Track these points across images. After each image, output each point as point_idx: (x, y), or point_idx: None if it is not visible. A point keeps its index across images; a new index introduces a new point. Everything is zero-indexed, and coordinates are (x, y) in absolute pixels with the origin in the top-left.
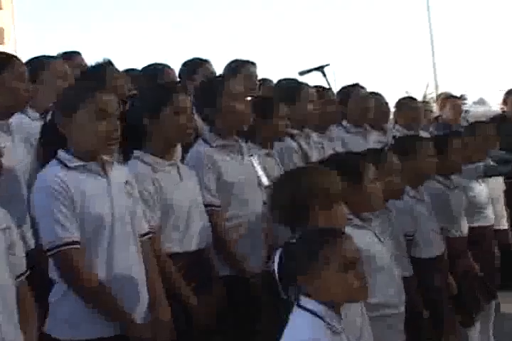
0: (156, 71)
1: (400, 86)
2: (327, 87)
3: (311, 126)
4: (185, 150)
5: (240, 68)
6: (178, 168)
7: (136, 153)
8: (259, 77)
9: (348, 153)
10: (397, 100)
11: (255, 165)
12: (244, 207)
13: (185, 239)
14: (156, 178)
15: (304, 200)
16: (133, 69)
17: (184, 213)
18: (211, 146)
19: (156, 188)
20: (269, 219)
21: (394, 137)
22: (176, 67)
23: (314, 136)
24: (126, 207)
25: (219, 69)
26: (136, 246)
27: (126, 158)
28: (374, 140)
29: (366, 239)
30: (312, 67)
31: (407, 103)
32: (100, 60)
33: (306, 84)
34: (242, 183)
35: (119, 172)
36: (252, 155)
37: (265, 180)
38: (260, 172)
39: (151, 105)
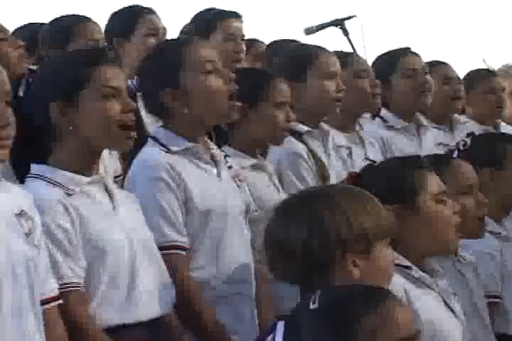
0: (68, 27)
1: (467, 49)
2: (351, 52)
3: (330, 120)
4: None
5: (215, 22)
6: (105, 187)
7: (38, 167)
8: (246, 36)
9: (395, 161)
10: (465, 74)
11: (238, 183)
12: (224, 250)
13: (129, 305)
14: (73, 206)
15: (326, 245)
16: (31, 25)
17: (125, 262)
18: (169, 151)
19: (74, 222)
20: (261, 271)
21: (468, 136)
22: (102, 21)
23: (336, 135)
24: (23, 256)
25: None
26: (37, 319)
27: (21, 174)
28: (432, 141)
29: (427, 303)
30: (326, 21)
31: (486, 80)
32: None
33: (324, 49)
34: (219, 213)
35: (5, 198)
36: (230, 167)
37: (255, 208)
38: (247, 196)
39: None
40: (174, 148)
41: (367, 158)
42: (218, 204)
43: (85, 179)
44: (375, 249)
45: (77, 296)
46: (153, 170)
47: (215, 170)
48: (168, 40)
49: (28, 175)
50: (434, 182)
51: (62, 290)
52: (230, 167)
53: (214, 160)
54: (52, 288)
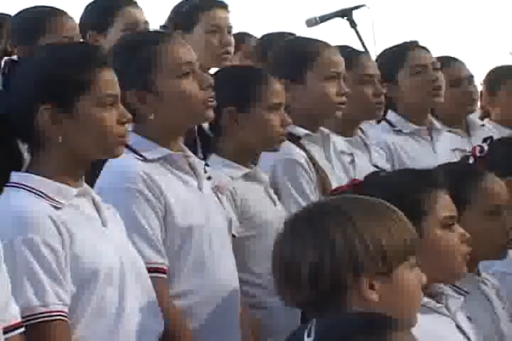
0: (38, 20)
1: (491, 41)
2: (360, 49)
3: (331, 125)
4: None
5: (197, 14)
6: (93, 200)
7: (19, 176)
8: (235, 29)
9: (404, 173)
10: (487, 72)
11: (220, 196)
12: (208, 272)
13: (117, 333)
14: (62, 222)
15: (337, 268)
16: None
17: (114, 286)
18: (146, 160)
19: (65, 242)
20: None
21: (485, 141)
22: (75, 13)
23: (338, 141)
24: None
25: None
26: None
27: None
28: (447, 147)
29: (439, 329)
30: (331, 11)
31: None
32: None
33: (327, 45)
34: (202, 231)
35: None
36: (209, 178)
37: (237, 225)
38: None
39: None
40: (149, 156)
41: (375, 165)
42: (201, 220)
43: (74, 190)
44: (396, 270)
45: (61, 327)
46: (129, 180)
47: (195, 182)
48: (141, 33)
49: (8, 184)
50: (443, 205)
51: (45, 318)
52: (209, 178)
53: (193, 170)
54: (14, 313)
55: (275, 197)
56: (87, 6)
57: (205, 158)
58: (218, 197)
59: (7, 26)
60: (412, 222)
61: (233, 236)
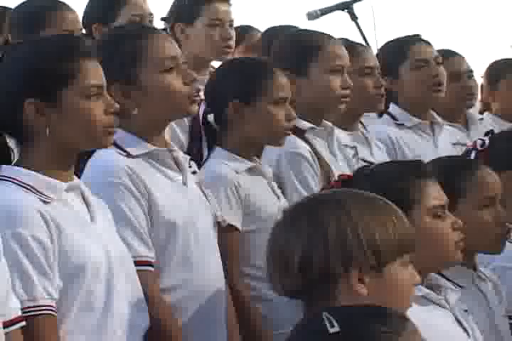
0: (41, 13)
1: (493, 34)
2: (360, 42)
3: (333, 118)
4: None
5: (198, 7)
6: (82, 195)
7: (8, 169)
8: (237, 22)
9: (392, 165)
10: (488, 65)
11: (205, 190)
12: (194, 268)
13: (105, 328)
14: (50, 215)
15: (326, 258)
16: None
17: (101, 281)
18: (130, 156)
19: (53, 236)
20: (235, 288)
21: (488, 134)
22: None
23: (341, 134)
24: None
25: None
26: None
27: None
28: (448, 141)
29: (439, 322)
30: (332, 4)
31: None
32: None
33: (331, 38)
34: (187, 226)
35: None
36: (195, 173)
37: (227, 219)
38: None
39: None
40: (134, 152)
41: (363, 160)
42: (185, 215)
43: (63, 184)
44: (389, 266)
45: (49, 321)
46: (113, 174)
47: (180, 177)
48: (125, 27)
49: None
50: (432, 194)
51: (33, 312)
52: (194, 172)
53: (178, 165)
54: (14, 307)
55: (279, 191)
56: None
57: (210, 151)
58: (203, 192)
59: (8, 19)
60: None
61: (236, 229)
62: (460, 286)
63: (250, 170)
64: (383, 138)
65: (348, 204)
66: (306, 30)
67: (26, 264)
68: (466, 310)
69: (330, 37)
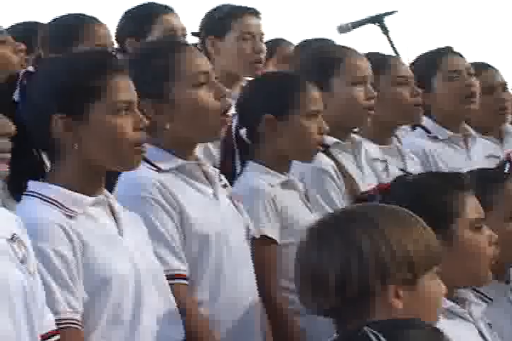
0: (73, 28)
1: None
2: (391, 54)
3: (363, 132)
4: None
5: (230, 21)
6: (111, 209)
7: (35, 184)
8: (268, 35)
9: (431, 177)
10: None
11: (236, 203)
12: (226, 281)
13: (133, 340)
14: (74, 230)
15: (364, 275)
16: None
17: (129, 295)
18: (160, 170)
19: (76, 249)
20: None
21: None
22: (110, 22)
23: (369, 148)
24: (21, 287)
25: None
26: None
27: (16, 192)
28: (482, 153)
29: (463, 335)
30: (363, 17)
31: None
32: None
33: (351, 51)
34: (220, 239)
35: None
36: (225, 186)
37: (265, 232)
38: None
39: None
40: (164, 167)
41: (402, 170)
42: (218, 228)
43: (89, 199)
44: (421, 279)
45: (73, 335)
46: (144, 189)
47: (210, 191)
48: (158, 41)
49: (25, 193)
50: (472, 207)
51: (56, 326)
52: (224, 186)
53: (208, 179)
54: (50, 321)
55: (310, 204)
56: (125, 14)
57: (243, 165)
58: (235, 205)
59: (41, 34)
60: (440, 225)
61: (274, 242)
62: (490, 299)
63: (283, 184)
64: (417, 151)
65: (377, 219)
66: (326, 44)
67: (48, 278)
68: (489, 324)
69: (350, 49)
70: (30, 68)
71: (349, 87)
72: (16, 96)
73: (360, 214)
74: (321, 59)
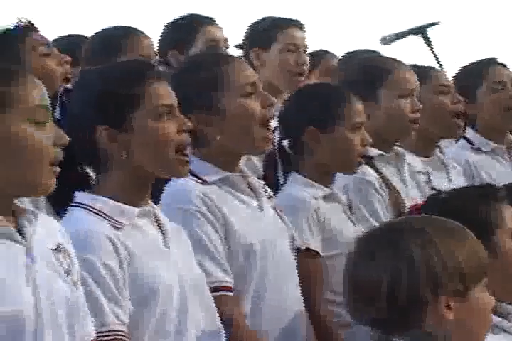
0: (116, 40)
1: None
2: (430, 66)
3: (405, 144)
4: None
5: (275, 33)
6: (157, 221)
7: (82, 196)
8: (311, 47)
9: (465, 191)
10: None
11: (280, 214)
12: (272, 293)
13: None
14: (121, 241)
15: (416, 286)
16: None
17: (174, 306)
18: (205, 182)
19: (122, 261)
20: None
21: None
22: (153, 34)
23: (412, 160)
24: (64, 297)
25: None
26: None
27: (59, 205)
28: None
29: None
30: (406, 28)
31: None
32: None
33: (399, 63)
34: (265, 250)
35: (44, 233)
36: (270, 197)
37: (308, 244)
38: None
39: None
40: (209, 179)
41: (433, 188)
42: (263, 239)
43: (136, 210)
44: (472, 291)
45: None
46: (188, 201)
47: (255, 202)
48: (203, 54)
49: (72, 204)
50: (510, 217)
51: (105, 338)
52: (269, 197)
53: (252, 190)
54: (91, 331)
55: (353, 217)
56: (167, 26)
57: (285, 177)
58: (280, 216)
59: (85, 46)
60: (483, 237)
61: (318, 254)
62: None
63: (326, 197)
64: (460, 162)
65: (427, 230)
66: (373, 56)
67: (95, 290)
68: None
69: (398, 61)
70: (69, 85)
71: (396, 100)
72: (56, 114)
73: (410, 225)
74: (369, 69)
